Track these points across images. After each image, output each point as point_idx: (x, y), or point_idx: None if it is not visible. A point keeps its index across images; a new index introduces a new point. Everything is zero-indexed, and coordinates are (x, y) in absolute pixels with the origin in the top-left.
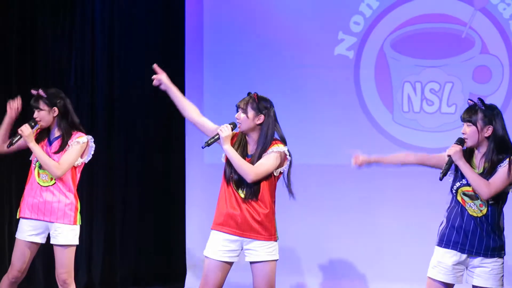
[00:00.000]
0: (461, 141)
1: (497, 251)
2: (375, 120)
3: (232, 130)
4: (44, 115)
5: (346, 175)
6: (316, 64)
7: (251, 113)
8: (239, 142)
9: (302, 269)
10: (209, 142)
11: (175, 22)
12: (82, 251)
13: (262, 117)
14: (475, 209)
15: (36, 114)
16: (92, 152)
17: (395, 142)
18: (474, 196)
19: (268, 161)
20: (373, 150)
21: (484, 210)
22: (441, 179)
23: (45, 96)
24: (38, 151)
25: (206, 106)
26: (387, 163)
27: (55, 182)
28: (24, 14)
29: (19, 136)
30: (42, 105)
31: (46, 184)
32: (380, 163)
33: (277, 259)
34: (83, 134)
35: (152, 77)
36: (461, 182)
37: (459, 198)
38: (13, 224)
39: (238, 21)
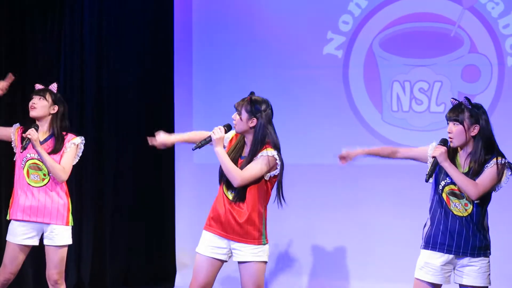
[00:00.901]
0: (444, 142)
1: (483, 250)
2: (364, 119)
3: (226, 132)
4: (44, 105)
5: (336, 175)
6: (305, 64)
7: (244, 115)
8: (238, 143)
9: (292, 268)
10: (201, 144)
11: (164, 21)
12: (72, 251)
13: (254, 120)
14: (460, 209)
15: (35, 101)
16: (80, 154)
17: (384, 141)
18: (460, 195)
19: (256, 166)
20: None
21: (470, 209)
22: (427, 180)
23: (55, 92)
24: (45, 155)
25: (195, 105)
26: (375, 154)
27: (47, 182)
28: (13, 15)
29: (27, 140)
30: (48, 96)
31: (38, 185)
32: (368, 154)
33: (265, 261)
34: (74, 136)
35: (152, 144)
36: (445, 181)
37: (444, 196)
38: (3, 226)
39: (226, 20)
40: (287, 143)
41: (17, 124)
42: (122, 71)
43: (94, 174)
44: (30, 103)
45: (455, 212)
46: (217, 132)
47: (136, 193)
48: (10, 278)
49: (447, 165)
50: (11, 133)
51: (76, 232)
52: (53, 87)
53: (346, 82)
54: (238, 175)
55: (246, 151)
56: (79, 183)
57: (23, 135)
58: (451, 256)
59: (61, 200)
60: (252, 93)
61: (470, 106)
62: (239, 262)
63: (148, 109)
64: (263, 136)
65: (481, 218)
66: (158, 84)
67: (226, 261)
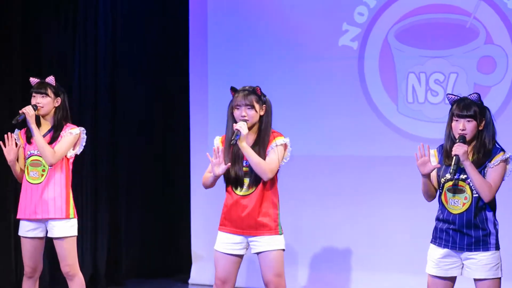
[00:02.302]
0: (464, 139)
1: (482, 244)
2: (379, 111)
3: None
4: (48, 102)
5: (351, 166)
6: (320, 55)
7: (257, 106)
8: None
9: (304, 259)
10: (234, 138)
11: (179, 13)
12: (87, 244)
13: (264, 107)
14: (458, 205)
15: (39, 100)
16: (84, 144)
17: (399, 133)
18: (460, 190)
19: (279, 156)
20: (377, 141)
21: (468, 204)
22: (451, 179)
23: (54, 84)
24: (37, 135)
25: (211, 99)
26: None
27: (45, 178)
28: (27, 9)
29: (23, 115)
30: (49, 92)
31: (36, 182)
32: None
33: (283, 249)
34: (75, 126)
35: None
36: (444, 178)
37: (442, 193)
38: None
39: (241, 12)
40: (302, 134)
41: (16, 130)
42: (136, 64)
43: (109, 167)
44: (34, 102)
45: (450, 210)
46: (244, 127)
47: (152, 186)
48: (30, 272)
49: (467, 164)
50: (16, 140)
51: (92, 224)
52: (51, 79)
53: (362, 73)
54: (268, 168)
55: (249, 141)
56: (94, 175)
57: (19, 111)
58: (449, 250)
59: (58, 195)
60: (234, 87)
61: (477, 99)
62: (258, 254)
63: (162, 102)
64: (270, 122)
65: (479, 212)
66: (173, 77)
67: (244, 255)
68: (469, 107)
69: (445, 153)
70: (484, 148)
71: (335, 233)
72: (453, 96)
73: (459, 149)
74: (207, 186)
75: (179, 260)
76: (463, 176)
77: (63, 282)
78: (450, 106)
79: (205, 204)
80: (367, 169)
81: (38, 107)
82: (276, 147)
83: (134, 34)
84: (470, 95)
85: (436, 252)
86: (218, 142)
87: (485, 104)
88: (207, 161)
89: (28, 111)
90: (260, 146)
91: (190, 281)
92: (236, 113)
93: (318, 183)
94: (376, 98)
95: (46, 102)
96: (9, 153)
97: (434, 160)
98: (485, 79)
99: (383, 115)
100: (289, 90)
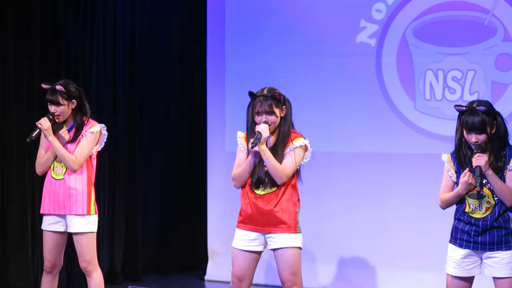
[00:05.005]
0: (481, 148)
1: (504, 243)
2: (397, 108)
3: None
4: (64, 109)
5: (368, 163)
6: (338, 52)
7: (277, 111)
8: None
9: (323, 257)
10: (254, 141)
11: (197, 3)
12: (104, 239)
13: (284, 108)
14: (481, 210)
15: (55, 109)
16: (105, 140)
17: (417, 130)
18: (481, 195)
19: (296, 159)
20: (394, 138)
21: (491, 208)
22: (479, 192)
23: (64, 90)
24: (57, 145)
25: (228, 91)
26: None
27: (66, 175)
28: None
29: (38, 130)
30: (61, 100)
31: (60, 177)
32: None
33: (300, 247)
34: (95, 123)
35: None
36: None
37: (463, 199)
38: (36, 219)
39: (259, 9)
40: (319, 131)
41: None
42: (155, 55)
43: (126, 161)
44: (51, 110)
45: (471, 215)
46: (265, 130)
47: (168, 181)
48: (50, 266)
49: (490, 174)
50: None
51: (109, 220)
52: (59, 88)
53: (379, 70)
54: (284, 174)
55: (269, 142)
56: (112, 171)
57: (36, 123)
58: (470, 250)
59: (79, 191)
60: (253, 92)
61: (486, 109)
62: (274, 250)
63: (180, 95)
64: (290, 122)
65: (502, 214)
66: (191, 68)
67: (261, 252)
68: (478, 122)
69: (458, 158)
70: (498, 152)
71: (354, 231)
72: (461, 107)
73: (480, 160)
74: (242, 180)
75: (196, 256)
76: (483, 181)
77: (80, 279)
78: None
79: (222, 201)
80: (384, 166)
81: (55, 116)
82: (294, 149)
83: (154, 24)
84: (478, 106)
85: (456, 253)
86: (241, 137)
87: (502, 102)
88: (224, 159)
89: (43, 124)
90: (279, 147)
91: (206, 277)
92: (257, 118)
93: (335, 181)
94: (394, 95)
95: (61, 110)
96: (45, 122)
97: (449, 167)
98: (503, 76)
99: (401, 112)
100: (306, 87)
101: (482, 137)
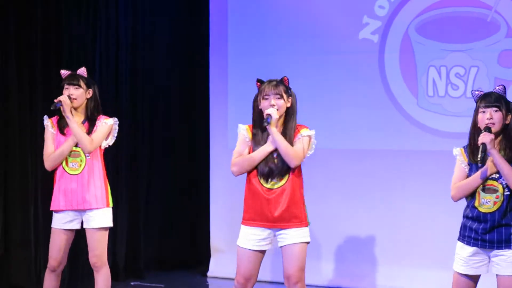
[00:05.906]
0: (489, 130)
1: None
2: (399, 104)
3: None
4: (81, 93)
5: (371, 159)
6: (340, 48)
7: (285, 97)
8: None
9: (326, 253)
10: (265, 121)
11: (199, 7)
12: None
13: (290, 98)
14: (489, 205)
15: (73, 91)
16: (116, 135)
17: (419, 126)
18: (493, 190)
19: (305, 146)
20: (397, 134)
21: (499, 203)
22: (482, 164)
23: (85, 76)
24: (74, 124)
25: (230, 90)
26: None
27: (83, 169)
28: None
29: (60, 103)
30: (82, 83)
31: (75, 172)
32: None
33: (308, 242)
34: (108, 117)
35: None
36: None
37: (476, 193)
38: (39, 217)
39: (262, 8)
40: (322, 128)
41: (45, 116)
42: (157, 55)
43: (129, 159)
44: (67, 93)
45: (480, 209)
46: (275, 113)
47: (171, 178)
48: (55, 266)
49: (494, 152)
50: (49, 128)
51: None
52: (82, 71)
53: (382, 67)
54: (297, 156)
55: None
56: (115, 167)
57: (55, 100)
58: (478, 248)
59: (97, 185)
60: (260, 79)
61: (504, 94)
62: (282, 246)
63: (182, 93)
64: (295, 114)
65: (510, 210)
66: (193, 67)
67: (267, 249)
68: (495, 97)
69: (470, 150)
70: (511, 143)
71: (355, 227)
72: (478, 92)
73: (485, 137)
74: (244, 168)
75: (198, 253)
76: (495, 176)
77: (82, 277)
78: (470, 100)
79: (224, 198)
80: (387, 163)
81: (72, 99)
82: (302, 137)
83: (156, 22)
84: (495, 88)
85: (464, 250)
86: (244, 129)
87: (507, 98)
88: (226, 156)
89: (65, 99)
90: (286, 138)
91: (209, 273)
92: (264, 103)
93: (338, 178)
94: (396, 92)
95: (79, 94)
96: (66, 98)
97: (462, 159)
98: (506, 73)
99: (403, 109)
100: (309, 83)
101: (497, 115)
